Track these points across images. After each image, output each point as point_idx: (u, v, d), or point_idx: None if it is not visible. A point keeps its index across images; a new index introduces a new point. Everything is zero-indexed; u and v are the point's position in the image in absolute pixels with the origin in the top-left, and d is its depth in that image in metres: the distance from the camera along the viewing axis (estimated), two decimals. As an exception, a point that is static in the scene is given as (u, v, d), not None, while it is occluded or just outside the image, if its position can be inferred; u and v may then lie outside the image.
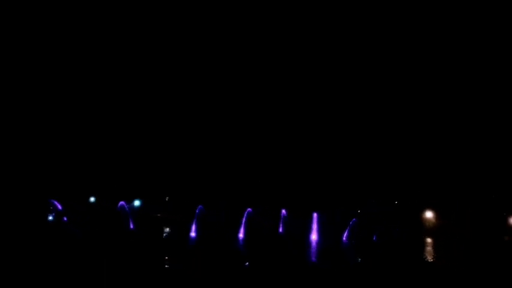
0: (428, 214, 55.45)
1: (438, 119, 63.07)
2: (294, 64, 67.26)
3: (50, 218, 43.90)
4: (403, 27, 67.57)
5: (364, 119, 64.68)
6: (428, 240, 52.02)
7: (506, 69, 60.09)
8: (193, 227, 45.25)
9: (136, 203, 47.56)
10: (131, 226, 45.43)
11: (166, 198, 50.52)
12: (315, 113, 65.11)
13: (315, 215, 48.42)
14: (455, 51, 63.86)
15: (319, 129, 64.34)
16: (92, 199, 47.62)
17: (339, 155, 61.07)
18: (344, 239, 49.14)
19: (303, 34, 67.35)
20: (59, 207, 44.44)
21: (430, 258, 41.88)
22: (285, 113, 63.74)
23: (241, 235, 45.49)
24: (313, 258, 39.22)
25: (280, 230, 48.53)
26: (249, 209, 46.71)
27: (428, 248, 48.51)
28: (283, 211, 48.45)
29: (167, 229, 44.86)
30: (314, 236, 48.69)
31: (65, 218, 44.46)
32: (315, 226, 48.76)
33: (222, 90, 62.48)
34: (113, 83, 57.03)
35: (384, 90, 65.48)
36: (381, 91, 65.47)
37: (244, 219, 45.99)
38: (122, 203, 45.27)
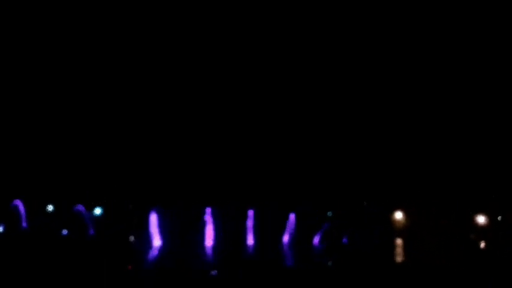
0: (398, 215, 55.97)
1: (410, 118, 64.10)
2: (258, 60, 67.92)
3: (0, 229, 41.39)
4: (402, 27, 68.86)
5: (337, 118, 65.11)
6: (399, 241, 52.51)
7: (477, 68, 61.84)
8: (157, 234, 44.14)
9: (98, 211, 45.92)
10: (91, 232, 44.16)
11: (130, 206, 49.07)
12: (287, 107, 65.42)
13: (291, 216, 48.08)
14: (422, 53, 65.39)
15: (295, 125, 64.37)
16: (50, 207, 45.57)
17: (313, 153, 61.05)
18: (316, 242, 48.90)
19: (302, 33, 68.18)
20: (22, 210, 42.28)
21: (400, 259, 42.12)
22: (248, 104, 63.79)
23: (208, 241, 44.64)
24: (285, 263, 38.77)
25: (249, 233, 47.97)
26: (209, 208, 45.44)
27: (399, 249, 48.91)
28: (251, 212, 47.76)
29: (131, 237, 43.67)
30: (286, 239, 48.38)
31: (25, 225, 42.37)
32: (288, 229, 48.49)
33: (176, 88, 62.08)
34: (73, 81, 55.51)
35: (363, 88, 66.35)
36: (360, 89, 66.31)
37: (208, 222, 45.21)
38: (79, 207, 43.67)
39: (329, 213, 50.57)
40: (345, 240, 49.48)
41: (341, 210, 51.98)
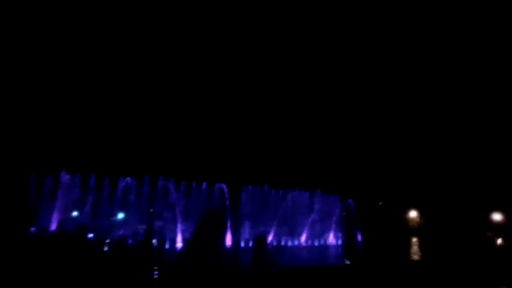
0: (413, 214, 56.15)
1: (419, 122, 64.36)
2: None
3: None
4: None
5: (352, 119, 66.02)
6: (414, 239, 52.60)
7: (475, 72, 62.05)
8: (179, 238, 44.61)
9: (120, 215, 46.64)
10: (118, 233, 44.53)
11: (151, 210, 49.76)
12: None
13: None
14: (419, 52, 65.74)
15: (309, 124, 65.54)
16: (75, 213, 46.55)
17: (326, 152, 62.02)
18: (330, 240, 49.35)
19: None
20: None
21: (416, 257, 42.36)
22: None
23: (228, 242, 45.02)
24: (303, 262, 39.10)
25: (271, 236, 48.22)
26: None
27: (415, 248, 49.07)
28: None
29: (153, 241, 44.07)
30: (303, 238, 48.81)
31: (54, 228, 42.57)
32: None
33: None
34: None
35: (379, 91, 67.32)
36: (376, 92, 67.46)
37: (229, 225, 45.48)
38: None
39: (343, 213, 51.15)
40: (360, 238, 49.88)
41: (357, 209, 52.35)
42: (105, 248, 38.73)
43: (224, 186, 47.02)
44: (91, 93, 62.71)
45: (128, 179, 46.63)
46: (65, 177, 45.72)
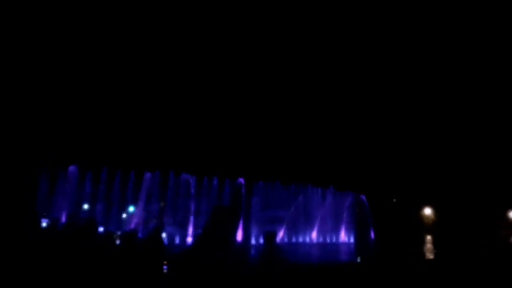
0: (427, 211, 55.20)
1: (434, 118, 63.36)
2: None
3: (44, 224, 42.06)
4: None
5: (366, 118, 65.48)
6: (428, 237, 51.73)
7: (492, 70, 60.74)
8: (190, 232, 44.51)
9: (131, 209, 46.75)
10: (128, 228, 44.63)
11: (162, 204, 49.76)
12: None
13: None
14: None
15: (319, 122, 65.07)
16: (86, 206, 46.72)
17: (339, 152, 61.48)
18: (342, 238, 48.74)
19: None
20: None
21: (430, 256, 41.55)
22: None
23: (239, 237, 44.75)
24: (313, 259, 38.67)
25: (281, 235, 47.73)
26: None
27: (428, 245, 48.19)
28: None
29: (163, 235, 44.03)
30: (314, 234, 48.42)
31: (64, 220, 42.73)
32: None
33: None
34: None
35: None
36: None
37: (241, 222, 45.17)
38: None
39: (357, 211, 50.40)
40: (372, 236, 49.17)
41: (370, 206, 51.59)
42: (117, 241, 38.79)
43: (242, 180, 46.65)
44: (105, 88, 63.09)
45: (147, 173, 46.64)
46: (76, 170, 45.91)
